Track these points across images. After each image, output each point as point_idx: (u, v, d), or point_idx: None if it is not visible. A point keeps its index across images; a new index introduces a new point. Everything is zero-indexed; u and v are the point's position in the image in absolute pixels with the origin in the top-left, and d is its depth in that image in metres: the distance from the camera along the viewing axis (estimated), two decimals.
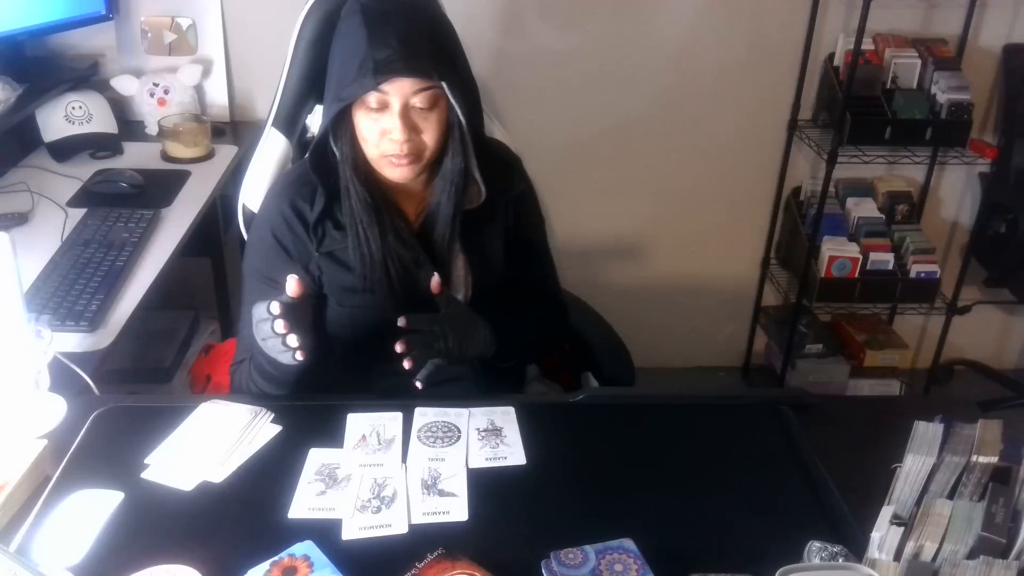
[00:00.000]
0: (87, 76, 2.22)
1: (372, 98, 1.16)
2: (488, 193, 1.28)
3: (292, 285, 1.12)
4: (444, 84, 1.16)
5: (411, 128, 1.18)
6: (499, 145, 1.44)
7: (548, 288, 1.52)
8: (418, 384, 1.23)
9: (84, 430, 1.14)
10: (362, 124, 1.20)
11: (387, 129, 1.18)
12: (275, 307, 1.09)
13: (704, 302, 2.79)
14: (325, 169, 1.26)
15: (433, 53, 1.15)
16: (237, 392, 1.33)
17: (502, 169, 1.38)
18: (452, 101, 1.18)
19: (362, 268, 1.27)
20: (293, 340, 1.10)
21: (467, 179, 1.26)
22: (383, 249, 1.26)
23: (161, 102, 2.22)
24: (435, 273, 1.24)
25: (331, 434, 1.16)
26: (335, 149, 1.25)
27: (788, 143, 2.57)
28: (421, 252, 1.29)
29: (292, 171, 1.34)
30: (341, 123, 1.22)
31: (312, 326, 1.20)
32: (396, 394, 1.37)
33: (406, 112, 1.17)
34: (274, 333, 1.09)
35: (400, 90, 1.15)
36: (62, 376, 1.23)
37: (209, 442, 1.12)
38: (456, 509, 1.04)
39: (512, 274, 1.39)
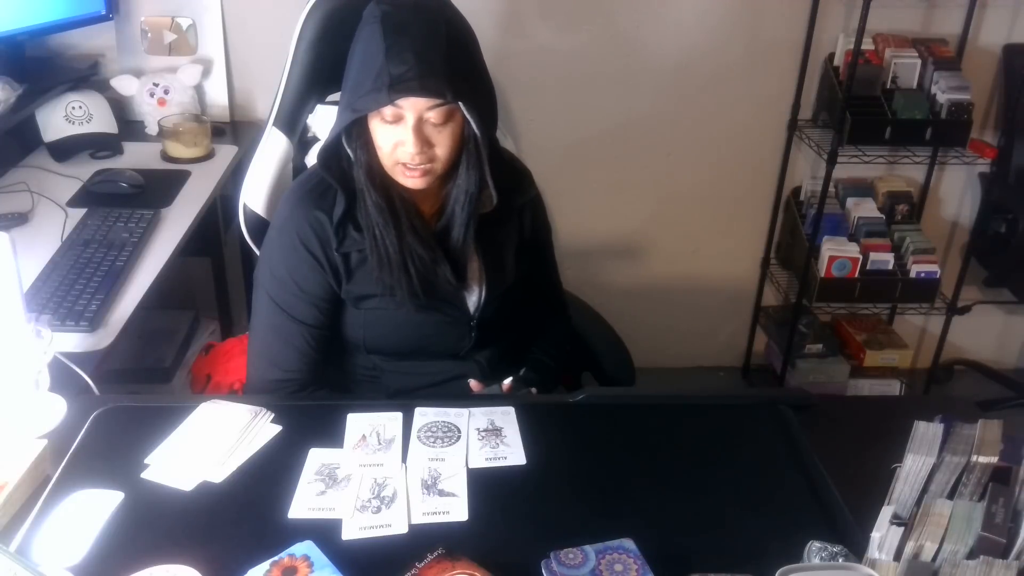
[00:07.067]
0: (87, 76, 2.21)
1: (387, 111, 1.16)
2: (501, 199, 1.29)
3: None
4: (459, 103, 1.15)
5: (424, 142, 1.18)
6: (511, 155, 1.45)
7: (554, 291, 1.57)
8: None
9: (84, 430, 1.14)
10: (377, 133, 1.20)
11: (401, 141, 1.18)
12: None
13: (704, 302, 2.80)
14: (338, 171, 1.26)
15: (449, 71, 1.13)
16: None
17: (515, 176, 1.40)
18: (467, 116, 1.17)
19: (380, 270, 1.27)
20: None
21: (481, 186, 1.27)
22: (401, 250, 1.26)
23: (161, 102, 2.22)
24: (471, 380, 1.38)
25: (331, 434, 1.16)
26: (349, 151, 1.25)
27: (788, 143, 2.57)
28: (439, 251, 1.30)
29: (307, 179, 1.32)
30: (355, 128, 1.22)
31: None
32: (397, 394, 1.38)
33: (419, 126, 1.17)
34: None
35: (414, 106, 1.15)
36: (62, 376, 1.23)
37: (209, 442, 1.12)
38: (456, 509, 1.04)
39: (523, 276, 1.42)
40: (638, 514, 1.05)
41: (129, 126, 2.25)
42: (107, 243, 1.62)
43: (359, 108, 1.17)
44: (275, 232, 1.32)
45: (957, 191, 2.68)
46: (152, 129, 2.23)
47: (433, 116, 1.17)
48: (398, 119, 1.17)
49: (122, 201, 1.82)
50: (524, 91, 2.41)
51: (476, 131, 1.19)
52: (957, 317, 2.65)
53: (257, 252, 1.42)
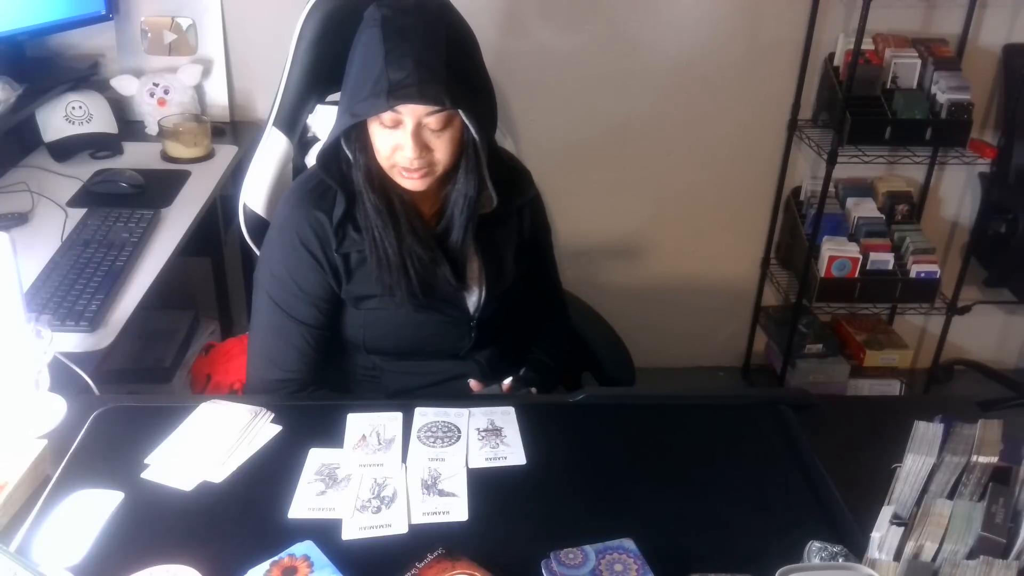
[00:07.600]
0: (87, 76, 2.21)
1: (386, 116, 1.16)
2: (501, 199, 1.29)
3: None
4: (458, 109, 1.15)
5: (423, 147, 1.18)
6: (510, 155, 1.45)
7: (554, 291, 1.57)
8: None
9: (84, 430, 1.14)
10: (376, 136, 1.20)
11: (400, 145, 1.18)
12: None
13: (704, 302, 2.79)
14: (337, 173, 1.26)
15: (449, 77, 1.12)
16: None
17: (515, 177, 1.40)
18: (466, 121, 1.17)
19: (379, 271, 1.27)
20: None
21: (480, 189, 1.27)
22: (400, 251, 1.26)
23: (161, 102, 2.22)
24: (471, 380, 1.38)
25: (331, 434, 1.16)
26: (348, 153, 1.25)
27: (788, 143, 2.57)
28: (438, 251, 1.30)
29: (307, 179, 1.32)
30: (354, 131, 1.22)
31: None
32: (397, 394, 1.38)
33: (418, 131, 1.17)
34: None
35: (413, 112, 1.15)
36: (62, 376, 1.23)
37: (209, 442, 1.12)
38: (456, 509, 1.04)
39: (523, 276, 1.42)
40: (638, 514, 1.05)
41: (129, 126, 2.25)
42: (107, 243, 1.62)
43: (358, 113, 1.16)
44: (275, 232, 1.32)
45: (957, 191, 2.68)
46: (152, 129, 2.23)
47: (432, 122, 1.16)
48: (397, 124, 1.17)
49: (122, 201, 1.82)
50: (524, 91, 2.41)
51: (475, 136, 1.19)
52: (957, 317, 2.65)
53: (257, 252, 1.42)
